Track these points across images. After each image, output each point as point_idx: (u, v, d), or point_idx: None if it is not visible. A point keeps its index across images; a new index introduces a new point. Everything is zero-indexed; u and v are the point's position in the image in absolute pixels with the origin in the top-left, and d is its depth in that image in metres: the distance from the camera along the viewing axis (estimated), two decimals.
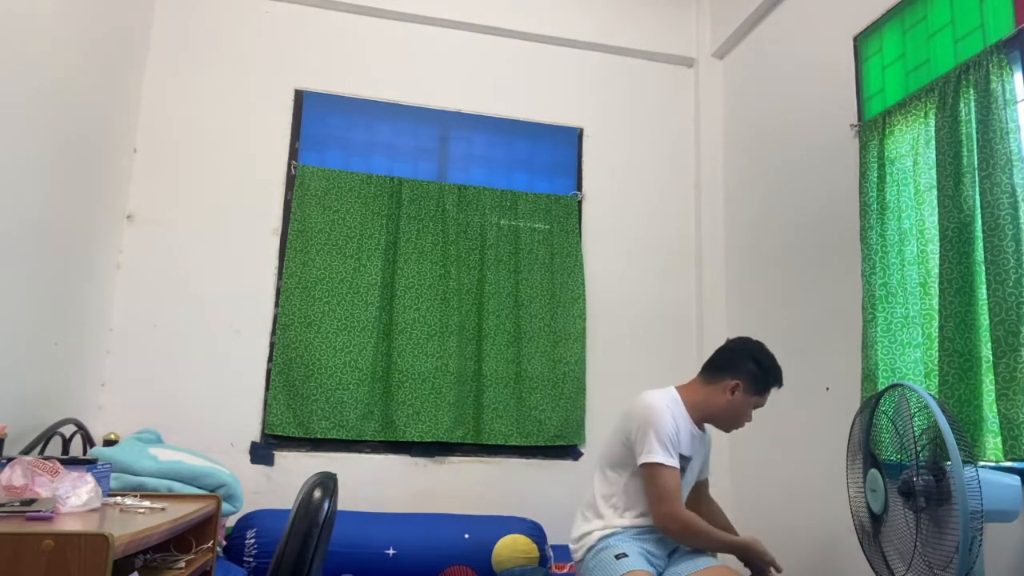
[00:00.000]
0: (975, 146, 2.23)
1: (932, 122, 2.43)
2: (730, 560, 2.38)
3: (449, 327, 3.46)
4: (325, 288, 3.38)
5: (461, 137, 3.78)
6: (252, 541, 2.79)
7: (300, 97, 3.59)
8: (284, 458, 3.25)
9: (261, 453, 3.23)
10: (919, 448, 1.87)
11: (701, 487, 2.53)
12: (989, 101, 2.19)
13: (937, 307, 2.28)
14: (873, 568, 2.04)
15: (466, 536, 2.96)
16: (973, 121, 2.25)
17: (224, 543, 2.82)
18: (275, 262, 3.41)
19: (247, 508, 2.88)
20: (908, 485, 1.85)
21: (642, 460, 2.20)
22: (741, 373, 2.34)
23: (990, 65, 2.21)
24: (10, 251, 2.34)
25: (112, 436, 2.74)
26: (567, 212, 3.73)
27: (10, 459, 1.56)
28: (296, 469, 3.19)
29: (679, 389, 2.39)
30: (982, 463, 2.04)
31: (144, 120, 3.37)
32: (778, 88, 3.46)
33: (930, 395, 1.86)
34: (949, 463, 1.76)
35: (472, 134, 3.79)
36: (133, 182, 3.32)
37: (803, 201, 3.19)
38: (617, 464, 2.31)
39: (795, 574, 2.71)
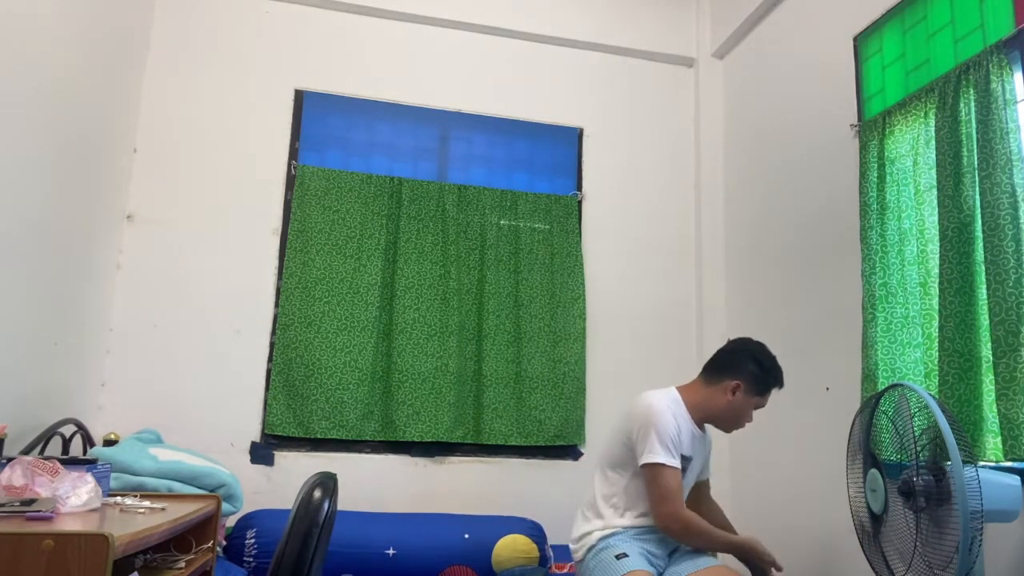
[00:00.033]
0: (975, 146, 2.23)
1: (932, 122, 2.43)
2: (730, 560, 2.38)
3: (449, 327, 3.46)
4: (325, 288, 3.38)
5: (461, 137, 3.78)
6: (252, 541, 2.79)
7: (300, 97, 3.59)
8: (284, 458, 3.25)
9: (261, 453, 3.23)
10: (919, 448, 1.87)
11: (703, 488, 2.53)
12: (989, 101, 2.19)
13: (937, 307, 2.28)
14: (873, 568, 2.04)
15: (466, 536, 2.96)
16: (973, 121, 2.25)
17: (224, 543, 2.82)
18: (275, 262, 3.41)
19: (247, 508, 2.88)
20: (908, 485, 1.85)
21: (644, 460, 2.20)
22: (742, 374, 2.34)
23: (990, 65, 2.21)
24: (10, 251, 2.34)
25: (112, 436, 2.74)
26: (567, 212, 3.73)
27: (10, 459, 1.56)
28: (296, 469, 3.19)
29: (680, 389, 2.39)
30: (982, 463, 2.04)
31: (144, 120, 3.38)
32: (778, 88, 3.46)
33: (930, 395, 1.86)
34: (949, 463, 1.76)
35: (472, 134, 3.79)
36: (133, 182, 3.32)
37: (803, 201, 3.19)
38: (618, 464, 2.31)
39: (795, 574, 2.71)
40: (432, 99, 3.72)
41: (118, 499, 1.78)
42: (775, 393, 2.40)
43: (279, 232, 3.44)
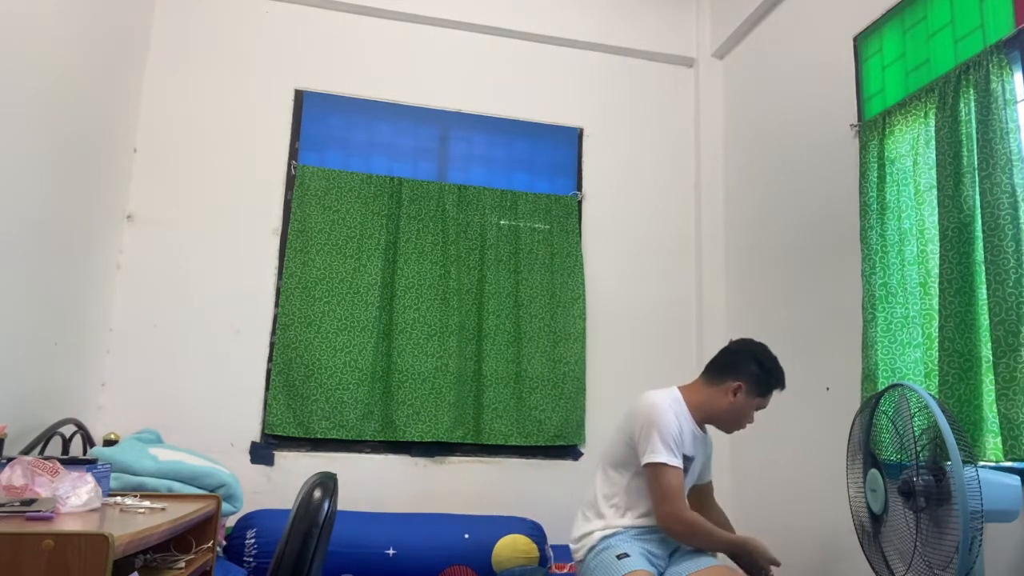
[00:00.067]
0: (975, 146, 2.23)
1: (932, 122, 2.43)
2: (730, 560, 2.37)
3: (449, 327, 3.46)
4: (325, 288, 3.38)
5: (461, 137, 3.78)
6: (252, 541, 2.79)
7: (300, 97, 3.59)
8: (284, 458, 3.25)
9: (261, 453, 3.23)
10: (919, 448, 1.87)
11: (706, 491, 2.53)
12: (989, 101, 2.19)
13: (937, 307, 2.28)
14: (873, 568, 2.04)
15: (466, 536, 2.96)
16: (973, 121, 2.25)
17: (224, 543, 2.82)
18: (275, 262, 3.41)
19: (247, 508, 2.88)
20: (908, 485, 1.85)
21: (646, 460, 2.20)
22: (744, 375, 2.34)
23: (990, 65, 2.21)
24: (10, 251, 2.34)
25: (112, 436, 2.74)
26: (567, 212, 3.73)
27: (10, 459, 1.56)
28: (296, 469, 3.19)
29: (681, 389, 2.39)
30: (982, 463, 2.04)
31: (144, 120, 3.38)
32: (778, 88, 3.46)
33: (930, 395, 1.86)
34: (949, 463, 1.76)
35: (472, 134, 3.79)
36: (133, 182, 3.32)
37: (803, 201, 3.19)
38: (619, 464, 2.31)
39: (795, 574, 2.71)
40: (432, 99, 3.72)
41: (118, 499, 1.78)
42: (776, 394, 2.40)
43: (279, 232, 3.44)
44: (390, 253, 3.49)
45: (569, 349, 3.57)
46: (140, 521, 1.50)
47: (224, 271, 3.33)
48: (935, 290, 2.34)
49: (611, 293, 3.73)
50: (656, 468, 2.19)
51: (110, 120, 3.08)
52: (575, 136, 3.88)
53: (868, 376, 2.49)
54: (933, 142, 2.41)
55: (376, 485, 3.27)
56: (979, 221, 2.18)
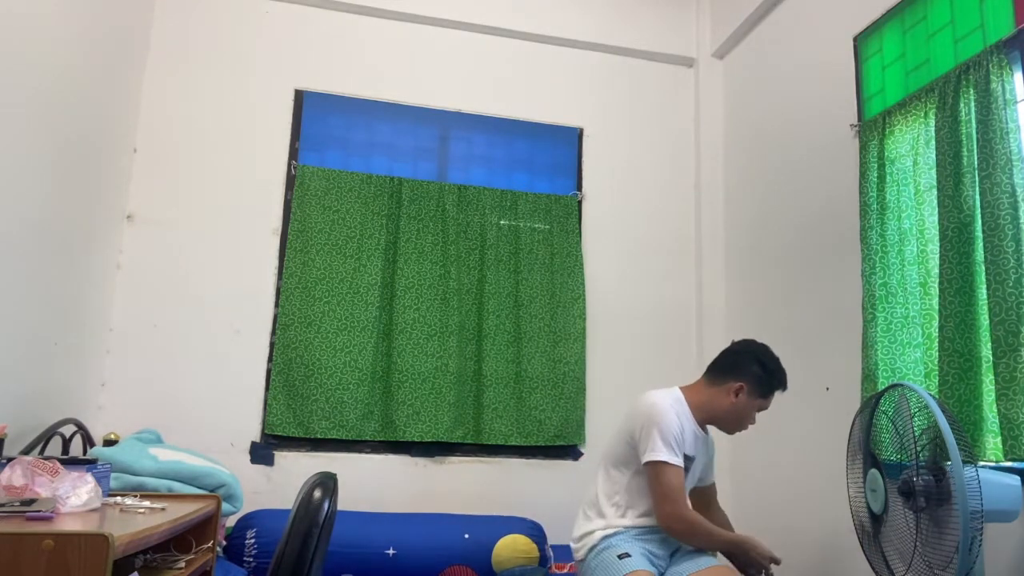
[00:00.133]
0: (975, 146, 2.23)
1: (932, 122, 2.43)
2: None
3: (449, 327, 3.46)
4: (325, 288, 3.38)
5: (461, 137, 3.78)
6: (252, 541, 2.79)
7: (300, 97, 3.59)
8: (284, 458, 3.25)
9: (261, 453, 3.23)
10: (919, 448, 1.87)
11: (709, 494, 2.53)
12: (989, 101, 2.19)
13: (937, 307, 2.28)
14: (873, 568, 2.04)
15: (466, 536, 2.96)
16: (973, 121, 2.25)
17: (224, 543, 2.82)
18: (275, 262, 3.41)
19: (247, 508, 2.88)
20: (908, 485, 1.85)
21: (646, 459, 2.20)
22: (745, 375, 2.34)
23: (990, 65, 2.21)
24: (10, 251, 2.34)
25: (112, 436, 2.74)
26: (567, 212, 3.73)
27: (10, 459, 1.56)
28: (296, 469, 3.19)
29: (683, 390, 2.39)
30: (982, 463, 2.04)
31: (144, 120, 3.38)
32: (778, 88, 3.46)
33: (930, 395, 1.86)
34: (949, 463, 1.76)
35: (472, 134, 3.79)
36: (133, 182, 3.32)
37: (803, 201, 3.19)
38: (621, 463, 2.31)
39: (795, 574, 2.71)
40: (432, 99, 3.72)
41: (118, 499, 1.78)
42: (776, 395, 2.40)
43: (279, 232, 3.44)
44: (390, 253, 3.49)
45: (569, 349, 3.57)
46: (140, 521, 1.50)
47: (224, 271, 3.33)
48: (935, 290, 2.34)
49: (611, 293, 3.73)
50: (657, 466, 2.19)
51: (110, 120, 3.08)
52: (575, 136, 3.88)
53: (868, 376, 2.50)
54: (933, 142, 2.41)
55: (376, 485, 3.27)
56: (979, 221, 2.18)
